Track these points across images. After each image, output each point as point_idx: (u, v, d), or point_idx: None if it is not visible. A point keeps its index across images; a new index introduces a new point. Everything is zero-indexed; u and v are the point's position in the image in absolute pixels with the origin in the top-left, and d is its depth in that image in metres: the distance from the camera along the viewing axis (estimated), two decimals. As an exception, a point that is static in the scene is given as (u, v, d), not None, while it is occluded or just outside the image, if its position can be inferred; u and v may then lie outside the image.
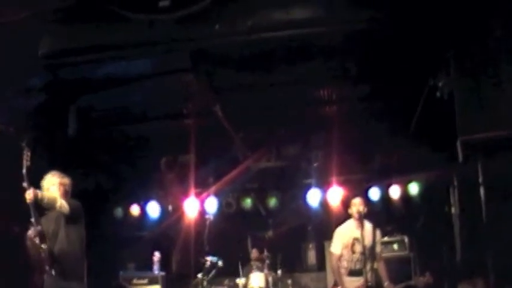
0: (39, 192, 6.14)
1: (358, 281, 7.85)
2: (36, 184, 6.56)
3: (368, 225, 7.98)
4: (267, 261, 10.57)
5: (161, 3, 6.60)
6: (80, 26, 6.86)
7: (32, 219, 6.26)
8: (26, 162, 6.20)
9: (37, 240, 6.29)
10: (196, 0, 6.45)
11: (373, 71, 8.55)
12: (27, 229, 6.50)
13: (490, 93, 6.89)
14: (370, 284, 7.75)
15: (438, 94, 7.80)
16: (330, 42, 7.53)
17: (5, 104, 7.71)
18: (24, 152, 6.22)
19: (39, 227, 6.27)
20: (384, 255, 8.58)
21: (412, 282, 8.81)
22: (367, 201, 8.78)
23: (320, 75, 8.72)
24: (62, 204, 6.35)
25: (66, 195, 6.72)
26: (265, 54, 7.92)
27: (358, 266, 7.94)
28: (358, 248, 7.93)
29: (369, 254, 7.93)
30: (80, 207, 6.59)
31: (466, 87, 7.02)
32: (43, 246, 6.30)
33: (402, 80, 8.64)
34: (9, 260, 6.89)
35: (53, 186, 6.69)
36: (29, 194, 6.04)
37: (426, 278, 8.41)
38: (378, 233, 8.20)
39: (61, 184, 6.77)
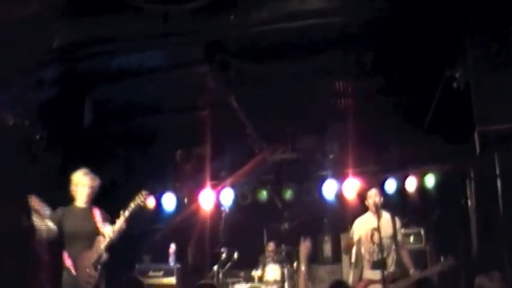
0: None
1: (382, 272, 7.82)
2: (51, 177, 6.61)
3: (386, 215, 7.97)
4: (283, 254, 10.57)
5: (176, -6, 6.57)
6: (94, 18, 6.85)
7: None
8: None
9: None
10: (210, -9, 6.41)
11: (389, 62, 8.46)
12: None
13: (508, 83, 6.78)
14: (393, 272, 7.76)
15: (455, 85, 7.70)
16: (345, 33, 7.45)
17: (19, 97, 7.72)
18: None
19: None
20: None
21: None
22: (382, 192, 8.74)
23: (335, 67, 8.65)
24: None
25: (91, 196, 6.87)
26: (280, 45, 7.87)
27: (379, 257, 7.91)
28: (377, 238, 7.91)
29: (391, 243, 7.93)
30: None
31: (484, 77, 6.90)
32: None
33: (418, 71, 8.55)
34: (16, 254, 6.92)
35: (83, 187, 6.81)
36: None
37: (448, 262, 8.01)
38: (398, 221, 8.17)
39: (90, 187, 6.90)
